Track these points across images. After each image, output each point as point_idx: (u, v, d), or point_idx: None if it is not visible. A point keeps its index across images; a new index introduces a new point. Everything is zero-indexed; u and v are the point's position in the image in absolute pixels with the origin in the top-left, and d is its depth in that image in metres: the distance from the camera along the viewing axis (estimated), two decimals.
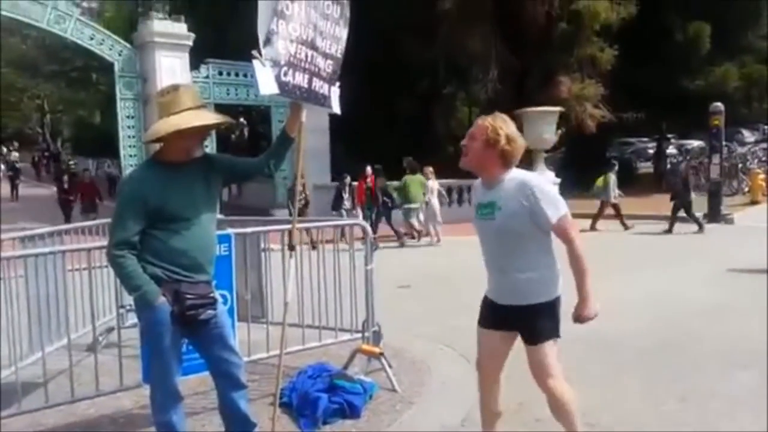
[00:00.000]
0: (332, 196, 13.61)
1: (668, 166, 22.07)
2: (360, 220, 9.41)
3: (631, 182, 20.02)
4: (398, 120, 23.99)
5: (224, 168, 3.17)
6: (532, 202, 2.77)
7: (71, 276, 4.43)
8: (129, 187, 2.97)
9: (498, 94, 18.73)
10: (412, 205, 13.08)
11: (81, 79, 37.41)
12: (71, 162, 19.45)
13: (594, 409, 3.74)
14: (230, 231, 4.20)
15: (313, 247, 5.03)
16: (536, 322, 2.88)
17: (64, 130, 52.44)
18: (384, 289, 5.33)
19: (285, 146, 3.27)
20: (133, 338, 4.19)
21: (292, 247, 3.66)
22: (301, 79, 3.34)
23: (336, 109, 3.65)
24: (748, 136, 28.66)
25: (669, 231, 13.03)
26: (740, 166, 20.71)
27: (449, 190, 15.50)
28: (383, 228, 13.17)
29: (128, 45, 14.65)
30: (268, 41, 3.15)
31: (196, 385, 3.95)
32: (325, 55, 3.51)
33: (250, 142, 28.79)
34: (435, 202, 13.18)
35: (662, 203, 14.26)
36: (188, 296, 2.85)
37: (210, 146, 13.46)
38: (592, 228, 13.54)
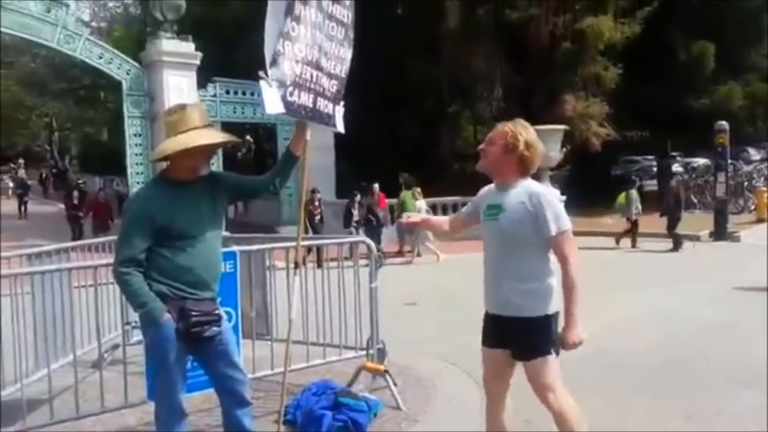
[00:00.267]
0: (342, 214, 13.65)
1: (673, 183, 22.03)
2: (364, 237, 9.42)
3: None
4: (403, 138, 24.08)
5: (230, 186, 3.21)
6: (537, 209, 2.81)
7: (77, 293, 4.45)
8: (136, 205, 3.01)
9: (503, 112, 18.77)
10: None
11: (89, 98, 37.69)
12: (80, 181, 19.49)
13: (600, 427, 3.71)
14: (235, 248, 4.23)
15: (319, 265, 5.05)
16: (527, 337, 2.88)
17: (72, 147, 52.81)
18: (389, 307, 5.32)
19: (290, 164, 3.31)
20: (138, 355, 4.21)
21: (297, 265, 3.68)
22: (306, 99, 3.40)
23: (340, 128, 3.71)
24: (754, 154, 28.65)
25: (674, 249, 12.98)
26: (746, 184, 20.62)
27: (454, 207, 15.50)
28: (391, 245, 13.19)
29: (136, 64, 14.79)
30: (274, 62, 3.22)
31: (200, 402, 3.95)
32: (330, 76, 3.58)
33: (257, 159, 28.87)
34: None
35: (666, 221, 14.25)
36: (193, 313, 2.87)
37: (216, 164, 13.54)
38: (617, 242, 13.88)
